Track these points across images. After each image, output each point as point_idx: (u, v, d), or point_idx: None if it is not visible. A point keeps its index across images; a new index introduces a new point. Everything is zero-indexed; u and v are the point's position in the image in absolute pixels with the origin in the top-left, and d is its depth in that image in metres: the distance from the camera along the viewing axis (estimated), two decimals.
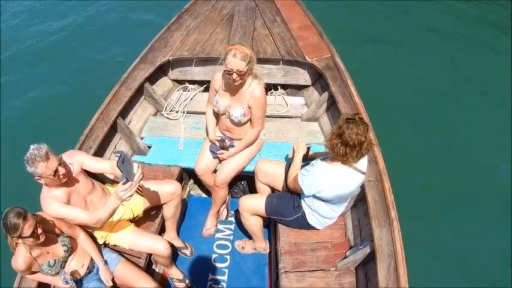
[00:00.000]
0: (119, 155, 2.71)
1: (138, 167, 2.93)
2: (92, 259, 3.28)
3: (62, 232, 3.14)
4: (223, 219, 4.58)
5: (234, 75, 3.41)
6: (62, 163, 2.99)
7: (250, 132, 3.87)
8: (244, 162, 4.08)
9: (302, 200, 3.55)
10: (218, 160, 4.12)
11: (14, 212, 2.73)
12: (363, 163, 3.24)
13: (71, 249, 3.14)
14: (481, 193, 5.15)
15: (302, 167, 3.53)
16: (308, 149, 3.69)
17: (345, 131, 2.96)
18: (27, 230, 2.74)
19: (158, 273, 4.10)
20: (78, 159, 3.28)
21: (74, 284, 3.11)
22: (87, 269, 3.25)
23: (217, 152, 4.00)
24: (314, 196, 3.35)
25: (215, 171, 4.17)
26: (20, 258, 2.90)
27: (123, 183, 2.82)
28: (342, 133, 2.98)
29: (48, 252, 3.00)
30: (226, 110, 3.77)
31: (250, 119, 3.80)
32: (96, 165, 3.37)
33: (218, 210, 4.46)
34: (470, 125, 5.92)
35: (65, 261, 3.11)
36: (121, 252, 3.56)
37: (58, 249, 3.05)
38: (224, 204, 4.51)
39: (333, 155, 3.16)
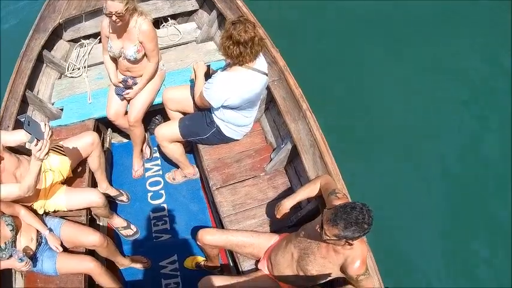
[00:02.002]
0: (23, 118, 2.66)
1: (45, 124, 2.80)
2: (38, 231, 3.17)
3: (3, 213, 3.02)
4: (149, 157, 4.53)
5: (114, 17, 3.39)
6: None
7: (149, 66, 3.84)
8: (151, 96, 4.04)
9: (213, 114, 3.52)
10: (126, 101, 4.06)
11: None
12: (261, 64, 3.23)
13: (16, 228, 3.01)
14: None
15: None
16: (208, 67, 3.64)
17: (233, 32, 2.96)
18: None
19: (103, 227, 4.01)
20: None
21: (29, 260, 3.00)
22: (37, 241, 3.14)
23: (123, 93, 3.93)
24: (223, 107, 3.32)
25: (127, 113, 4.10)
26: None
27: (35, 144, 2.72)
28: (231, 34, 2.97)
29: None
30: (121, 51, 3.73)
31: (145, 54, 3.77)
32: (12, 138, 3.20)
33: (141, 150, 4.41)
34: None
35: (14, 241, 2.98)
36: (62, 216, 3.46)
37: (4, 231, 2.92)
38: (145, 143, 4.46)
39: (230, 60, 3.15)
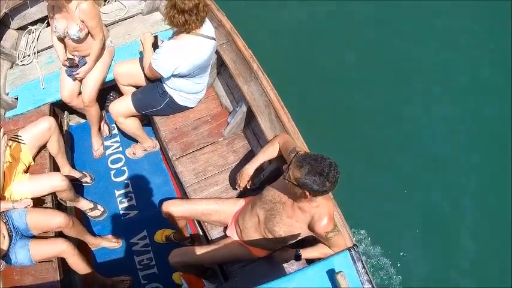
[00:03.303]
0: None
1: None
2: (7, 227, 3.09)
3: None
4: (108, 134, 4.46)
5: None
6: None
7: (94, 44, 3.74)
8: (102, 74, 3.95)
9: (164, 84, 3.45)
10: (79, 82, 3.97)
11: None
12: (208, 29, 3.16)
13: None
14: None
15: None
16: (155, 38, 3.55)
17: (177, 1, 2.88)
18: None
19: (71, 212, 3.92)
20: None
21: (2, 261, 3.00)
22: (9, 236, 3.07)
23: (74, 73, 3.84)
24: (173, 76, 3.26)
25: (81, 93, 4.03)
26: None
27: None
28: (175, 3, 2.90)
29: None
30: (65, 31, 3.64)
31: (89, 33, 3.68)
32: None
33: (99, 128, 4.34)
34: None
35: None
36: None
37: None
38: (102, 121, 4.39)
39: (176, 29, 3.08)
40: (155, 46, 3.51)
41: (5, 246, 3.03)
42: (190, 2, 2.88)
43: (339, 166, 2.20)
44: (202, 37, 3.12)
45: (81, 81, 3.97)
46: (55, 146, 3.70)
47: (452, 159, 4.61)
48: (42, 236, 3.28)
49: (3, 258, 3.05)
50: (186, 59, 3.13)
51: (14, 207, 3.19)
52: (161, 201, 3.80)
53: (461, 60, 5.25)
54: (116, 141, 4.46)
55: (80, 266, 3.26)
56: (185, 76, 3.29)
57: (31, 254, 3.09)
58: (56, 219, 3.22)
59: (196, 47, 3.13)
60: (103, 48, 3.88)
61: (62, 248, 3.12)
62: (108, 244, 3.81)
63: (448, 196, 4.48)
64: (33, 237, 3.21)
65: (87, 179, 4.17)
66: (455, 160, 4.62)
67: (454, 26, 5.52)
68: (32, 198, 3.40)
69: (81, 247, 3.65)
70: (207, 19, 3.16)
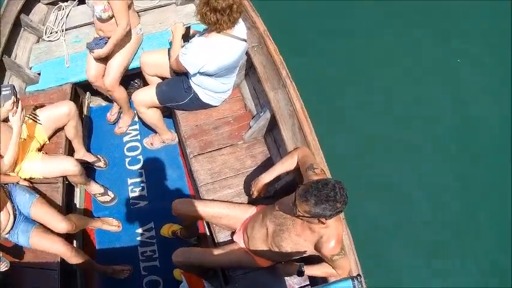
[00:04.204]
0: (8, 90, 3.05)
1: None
2: (13, 209, 3.10)
3: None
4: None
5: None
6: None
7: (117, 29, 3.68)
8: (126, 60, 3.94)
9: (190, 80, 3.44)
10: (105, 63, 3.97)
11: None
12: (240, 30, 3.13)
13: None
14: None
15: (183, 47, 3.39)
16: (187, 29, 3.50)
17: None
18: None
19: (81, 194, 3.99)
20: None
21: (7, 262, 2.94)
22: (14, 216, 3.08)
23: (91, 49, 3.80)
24: (200, 73, 3.24)
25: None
26: None
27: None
28: (208, 1, 2.86)
29: None
30: (93, 7, 3.62)
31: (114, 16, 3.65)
32: None
33: (128, 111, 4.38)
34: None
35: None
36: (35, 189, 3.38)
37: None
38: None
39: (207, 26, 3.05)
40: (186, 38, 3.49)
41: (9, 226, 3.05)
42: (224, 1, 2.84)
43: (341, 182, 2.17)
44: (233, 38, 3.09)
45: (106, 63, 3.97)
46: (72, 131, 3.72)
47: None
48: (45, 227, 3.25)
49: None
50: (214, 58, 3.11)
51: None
52: (173, 196, 3.79)
53: None
54: (135, 129, 4.47)
55: (78, 264, 3.28)
56: (212, 75, 3.27)
57: (30, 242, 3.09)
58: (59, 226, 3.20)
59: (226, 47, 3.10)
60: (130, 34, 3.86)
61: (60, 251, 3.14)
62: (109, 227, 3.84)
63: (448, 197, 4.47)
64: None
65: (101, 164, 4.19)
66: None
67: None
68: (42, 178, 3.44)
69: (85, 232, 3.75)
70: (240, 19, 3.13)
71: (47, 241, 3.13)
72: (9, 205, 3.07)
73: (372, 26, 5.45)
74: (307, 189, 2.18)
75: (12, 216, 3.06)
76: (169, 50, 3.67)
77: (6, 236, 3.04)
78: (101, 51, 3.69)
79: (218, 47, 3.07)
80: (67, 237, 3.42)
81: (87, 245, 3.80)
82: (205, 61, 3.10)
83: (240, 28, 3.14)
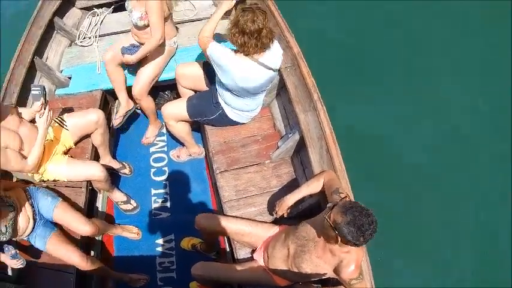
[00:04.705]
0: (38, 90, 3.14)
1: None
2: (33, 210, 3.13)
3: (4, 194, 3.00)
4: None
5: None
6: None
7: (151, 39, 3.69)
8: (156, 71, 3.97)
9: (219, 95, 3.47)
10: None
11: None
12: (270, 57, 3.11)
13: (17, 208, 2.98)
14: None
15: None
16: (237, 3, 3.45)
17: (240, 19, 2.86)
18: None
19: (104, 201, 4.06)
20: None
21: (22, 259, 3.01)
22: (33, 220, 3.12)
23: (123, 54, 3.84)
24: (220, 86, 3.30)
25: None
26: None
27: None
28: (238, 21, 2.87)
29: None
30: (131, 11, 3.66)
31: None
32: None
33: (154, 121, 4.41)
34: None
35: (15, 223, 2.96)
36: (57, 193, 3.42)
37: (4, 212, 2.88)
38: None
39: (236, 48, 3.05)
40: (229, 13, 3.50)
41: (28, 230, 3.09)
42: (254, 25, 2.84)
43: (378, 223, 2.18)
44: (259, 65, 3.07)
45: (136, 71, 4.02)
46: (99, 138, 3.77)
47: None
48: (63, 235, 3.29)
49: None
50: (233, 76, 3.12)
51: None
52: (195, 209, 3.90)
53: None
54: (162, 140, 4.53)
55: (94, 273, 3.33)
56: (231, 91, 3.30)
57: (46, 247, 3.13)
58: (82, 229, 3.26)
59: (248, 72, 3.09)
60: (164, 45, 3.88)
61: (75, 261, 3.18)
62: (129, 234, 3.88)
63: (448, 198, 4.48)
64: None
65: (126, 171, 4.24)
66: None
67: None
68: (66, 181, 3.50)
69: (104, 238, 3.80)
70: (275, 44, 3.13)
71: (63, 249, 3.17)
72: (29, 209, 3.11)
73: (406, 52, 5.48)
74: (353, 206, 2.20)
75: (32, 221, 3.10)
76: (204, 63, 3.75)
77: (21, 266, 3.05)
78: (130, 58, 3.74)
79: (240, 68, 3.07)
80: (87, 242, 3.50)
81: (105, 252, 3.86)
82: (225, 70, 3.11)
83: (271, 55, 3.11)
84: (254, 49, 2.97)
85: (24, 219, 3.04)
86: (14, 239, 3.05)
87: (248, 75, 3.10)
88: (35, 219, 3.13)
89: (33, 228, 3.12)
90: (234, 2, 3.37)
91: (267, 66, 3.09)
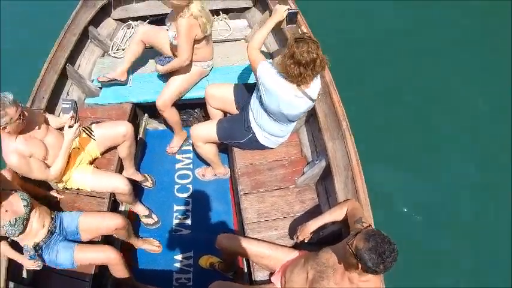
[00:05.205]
0: (68, 104, 3.21)
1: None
2: (52, 220, 3.15)
3: (20, 188, 3.05)
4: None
5: None
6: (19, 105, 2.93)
7: (177, 58, 3.81)
8: (182, 86, 4.06)
9: (251, 119, 3.50)
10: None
11: None
12: (313, 88, 3.14)
13: (31, 205, 2.98)
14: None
15: None
16: (290, 15, 3.39)
17: (296, 51, 2.87)
18: None
19: (125, 213, 4.08)
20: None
21: (39, 261, 3.04)
22: (48, 231, 3.10)
23: (156, 61, 3.98)
24: (261, 106, 3.32)
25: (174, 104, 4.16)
26: None
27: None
28: (293, 53, 2.88)
29: (7, 210, 2.84)
30: (168, 28, 3.81)
31: None
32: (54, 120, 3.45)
33: (179, 132, 4.49)
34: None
35: (27, 219, 2.94)
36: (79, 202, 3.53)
37: (18, 206, 2.89)
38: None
39: (289, 79, 3.04)
40: (279, 24, 3.47)
41: (40, 236, 3.06)
42: (309, 55, 2.86)
43: (398, 255, 2.19)
44: (303, 94, 3.10)
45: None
46: (126, 151, 3.83)
47: None
48: (88, 242, 3.32)
49: (40, 255, 3.08)
50: (277, 102, 3.15)
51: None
52: (216, 228, 3.92)
53: None
54: (188, 158, 4.58)
55: (120, 274, 3.34)
56: (270, 114, 3.34)
57: (74, 257, 3.11)
58: (114, 221, 3.30)
59: (290, 96, 3.11)
60: (195, 66, 3.99)
61: (110, 257, 3.19)
62: (150, 247, 3.91)
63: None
64: (78, 242, 3.24)
65: (148, 183, 4.29)
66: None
67: None
68: (89, 191, 3.55)
69: (124, 247, 3.80)
70: (319, 77, 3.17)
71: (95, 251, 3.19)
72: (47, 218, 3.12)
73: (436, 81, 5.57)
74: (376, 233, 2.22)
75: (46, 228, 3.09)
76: (235, 85, 3.83)
77: (38, 267, 3.07)
78: (159, 68, 3.89)
79: (287, 96, 3.10)
80: None
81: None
82: (268, 86, 3.13)
83: (315, 86, 3.16)
84: (310, 78, 3.00)
85: (39, 223, 3.04)
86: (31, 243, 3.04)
87: (292, 103, 3.13)
88: (50, 231, 3.11)
89: (46, 239, 3.09)
90: (287, 13, 3.37)
91: (309, 96, 3.12)
